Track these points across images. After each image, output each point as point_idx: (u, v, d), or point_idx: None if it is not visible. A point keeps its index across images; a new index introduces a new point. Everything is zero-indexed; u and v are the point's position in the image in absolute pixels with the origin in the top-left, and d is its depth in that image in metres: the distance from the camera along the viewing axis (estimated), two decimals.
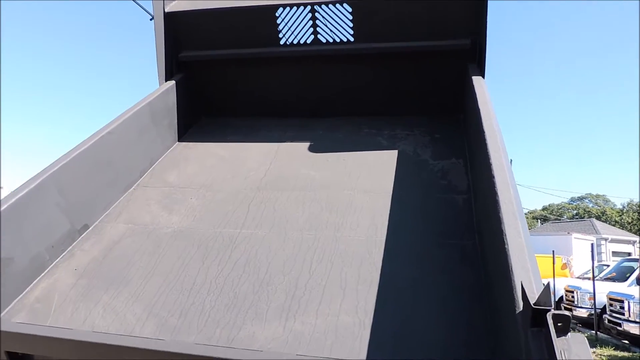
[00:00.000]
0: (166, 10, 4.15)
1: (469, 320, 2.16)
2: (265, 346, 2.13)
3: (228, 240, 2.85)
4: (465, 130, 3.79)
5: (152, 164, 3.79)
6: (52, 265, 2.81)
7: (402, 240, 2.70)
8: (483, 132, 2.69)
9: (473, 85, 3.32)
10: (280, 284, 2.47)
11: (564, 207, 64.78)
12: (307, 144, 3.88)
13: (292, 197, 3.20)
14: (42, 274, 2.74)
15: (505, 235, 1.89)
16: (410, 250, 2.62)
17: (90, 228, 3.11)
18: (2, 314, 2.47)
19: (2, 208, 2.54)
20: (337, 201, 3.11)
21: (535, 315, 1.47)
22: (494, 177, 2.25)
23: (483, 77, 3.56)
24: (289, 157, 3.72)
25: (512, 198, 2.09)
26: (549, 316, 1.42)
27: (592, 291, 14.48)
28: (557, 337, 1.39)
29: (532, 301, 1.48)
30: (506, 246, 1.84)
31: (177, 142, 4.15)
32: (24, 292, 2.62)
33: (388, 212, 2.94)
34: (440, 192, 3.10)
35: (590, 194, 66.18)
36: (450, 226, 2.78)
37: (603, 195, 65.10)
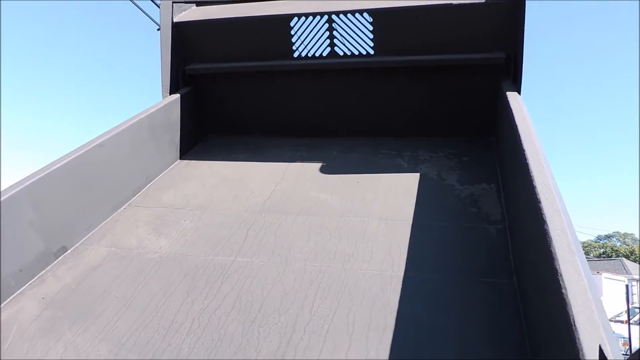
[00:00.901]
0: (175, 20, 3.91)
1: None
2: None
3: (219, 270, 2.45)
4: (497, 152, 3.35)
5: (149, 181, 3.45)
6: (17, 292, 2.44)
7: (424, 277, 2.25)
8: (523, 150, 2.26)
9: (508, 102, 2.91)
10: (274, 325, 2.04)
11: (590, 244, 62.20)
12: (319, 165, 3.50)
13: (297, 223, 2.79)
14: (5, 302, 2.38)
15: (561, 276, 1.44)
16: (433, 290, 2.16)
17: (69, 251, 2.75)
18: None
19: None
20: (348, 229, 2.68)
21: None
22: (539, 201, 1.81)
23: (519, 93, 3.14)
24: (298, 178, 3.34)
25: (565, 227, 1.65)
26: None
27: (626, 336, 13.41)
28: None
29: None
30: (564, 291, 1.39)
31: (179, 160, 3.82)
32: None
33: (407, 243, 2.50)
34: (469, 221, 2.65)
35: (617, 232, 63.48)
36: (482, 262, 2.32)
37: (631, 234, 62.33)
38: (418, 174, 3.21)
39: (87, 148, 2.93)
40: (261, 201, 3.07)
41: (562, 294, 1.39)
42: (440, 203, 2.85)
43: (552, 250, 1.55)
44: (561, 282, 1.41)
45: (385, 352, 1.85)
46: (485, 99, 3.54)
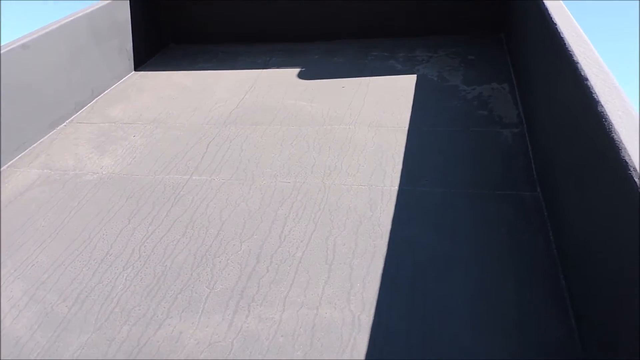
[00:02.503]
0: None
1: (536, 322, 1.28)
2: (193, 355, 1.28)
3: (170, 191, 1.98)
4: (510, 49, 2.80)
5: (95, 95, 2.90)
6: None
7: (424, 192, 1.79)
8: (554, 25, 1.73)
9: None
10: (234, 255, 1.60)
11: None
12: (296, 70, 2.95)
13: (268, 134, 2.29)
14: None
15: (634, 171, 0.96)
16: (435, 206, 1.71)
17: None
18: None
19: None
20: (330, 138, 2.20)
21: None
22: (587, 79, 1.31)
23: None
24: (272, 85, 2.80)
25: (630, 108, 1.16)
26: None
27: None
28: None
29: None
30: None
31: (134, 71, 3.24)
32: None
33: (402, 152, 2.02)
34: (479, 125, 2.16)
35: None
36: (495, 172, 1.86)
37: None
38: (415, 76, 2.68)
39: (7, 49, 2.36)
40: (226, 112, 2.55)
41: (635, 200, 0.92)
42: (442, 107, 2.35)
43: (615, 137, 1.07)
44: (635, 182, 0.94)
45: (375, 284, 1.42)
46: None
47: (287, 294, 1.43)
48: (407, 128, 2.19)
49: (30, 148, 2.45)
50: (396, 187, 1.81)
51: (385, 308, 1.34)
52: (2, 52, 2.33)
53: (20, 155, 2.39)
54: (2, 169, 2.30)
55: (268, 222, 1.72)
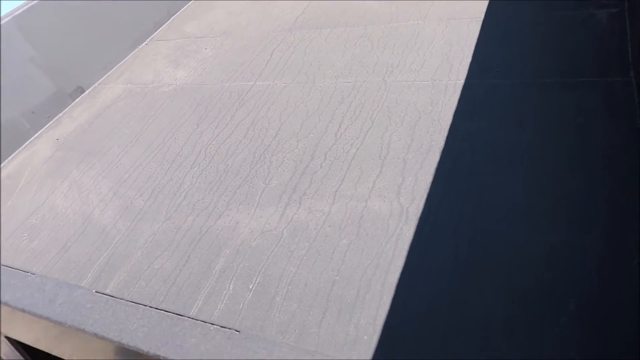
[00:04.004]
0: None
1: (613, 222, 1.15)
2: (247, 242, 1.35)
3: (236, 96, 2.02)
4: None
5: (171, 14, 2.99)
6: (34, 136, 2.26)
7: (494, 82, 1.63)
8: None
9: None
10: (290, 153, 1.62)
11: None
12: None
13: (332, 36, 2.21)
14: (23, 146, 2.22)
15: None
16: (505, 97, 1.56)
17: (87, 92, 2.48)
18: None
19: None
20: (396, 35, 2.06)
21: None
22: None
23: None
24: None
25: None
26: None
27: None
28: None
29: None
30: None
31: None
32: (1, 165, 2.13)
33: (474, 43, 1.84)
34: (566, 8, 1.87)
35: None
36: (582, 58, 1.62)
37: None
38: None
39: None
40: (292, 18, 2.49)
41: None
42: None
43: None
44: None
45: (427, 178, 1.36)
46: None
47: (338, 187, 1.43)
48: (481, 19, 1.97)
49: (116, 67, 2.63)
50: (462, 81, 1.67)
51: (435, 202, 1.29)
52: None
53: (108, 74, 2.58)
54: (94, 86, 2.51)
55: (325, 122, 1.71)
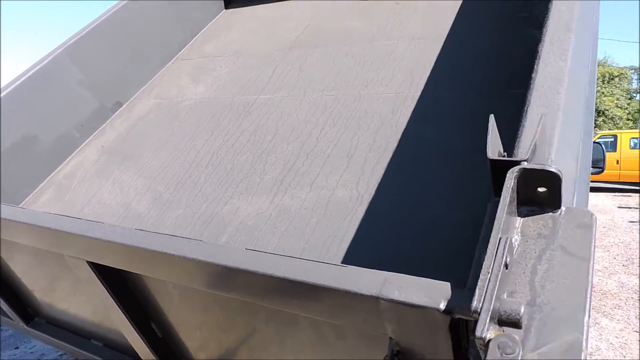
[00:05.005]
0: None
1: None
2: (244, 222, 1.80)
3: (242, 108, 2.47)
4: None
5: (193, 35, 3.47)
6: (83, 144, 2.77)
7: (444, 95, 2.02)
8: None
9: None
10: (281, 154, 2.06)
11: None
12: None
13: (324, 54, 2.63)
14: (75, 152, 2.73)
15: None
16: (450, 106, 1.94)
17: (124, 105, 2.99)
18: (32, 193, 2.53)
19: (13, 86, 2.49)
20: (375, 53, 2.46)
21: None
22: None
23: None
24: (336, 9, 3.07)
25: None
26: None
27: None
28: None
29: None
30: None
31: (224, 10, 3.73)
32: (57, 169, 2.64)
33: (434, 61, 2.23)
34: (517, 27, 2.23)
35: None
36: (521, 71, 1.98)
37: None
38: None
39: (118, 7, 2.98)
40: (293, 38, 2.92)
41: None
42: (486, 12, 2.42)
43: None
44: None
45: (380, 172, 1.77)
46: None
47: (314, 180, 1.86)
48: (443, 38, 2.35)
49: (147, 83, 3.12)
50: (419, 93, 2.06)
51: (384, 189, 1.70)
52: (116, 9, 2.96)
53: (141, 90, 3.08)
54: (130, 100, 3.01)
55: (310, 128, 2.13)
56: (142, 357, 1.58)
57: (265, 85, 2.58)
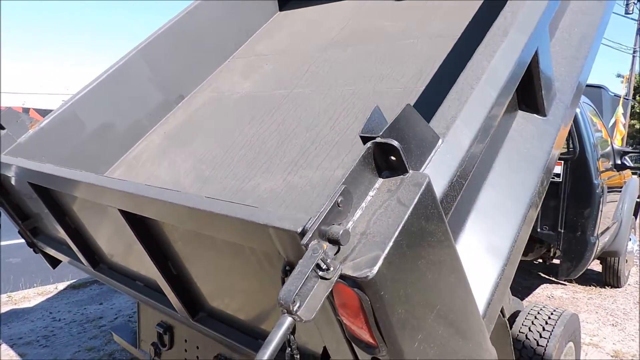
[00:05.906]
0: None
1: None
2: (261, 196, 2.15)
3: (277, 101, 2.83)
4: None
5: (249, 35, 3.89)
6: (150, 130, 3.29)
7: (446, 89, 2.22)
8: None
9: None
10: (300, 140, 2.39)
11: None
12: None
13: (352, 53, 2.91)
14: (143, 137, 3.26)
15: None
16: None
17: (185, 98, 3.47)
18: (109, 170, 3.08)
19: (97, 82, 3.05)
20: (395, 51, 2.70)
21: None
22: None
23: None
24: (373, 10, 3.32)
25: None
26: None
27: None
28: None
29: None
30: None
31: (278, 12, 4.12)
32: (129, 151, 3.18)
33: (443, 58, 2.43)
34: None
35: None
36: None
37: None
38: None
39: (185, 12, 3.46)
40: (330, 38, 3.23)
41: None
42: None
43: None
44: None
45: None
46: None
47: (320, 163, 2.17)
48: (457, 37, 2.53)
49: (206, 79, 3.59)
50: (423, 88, 2.28)
51: None
52: (182, 15, 3.44)
53: (200, 85, 3.56)
54: (191, 94, 3.49)
55: (327, 118, 2.43)
56: (164, 291, 1.99)
57: (299, 81, 2.92)
